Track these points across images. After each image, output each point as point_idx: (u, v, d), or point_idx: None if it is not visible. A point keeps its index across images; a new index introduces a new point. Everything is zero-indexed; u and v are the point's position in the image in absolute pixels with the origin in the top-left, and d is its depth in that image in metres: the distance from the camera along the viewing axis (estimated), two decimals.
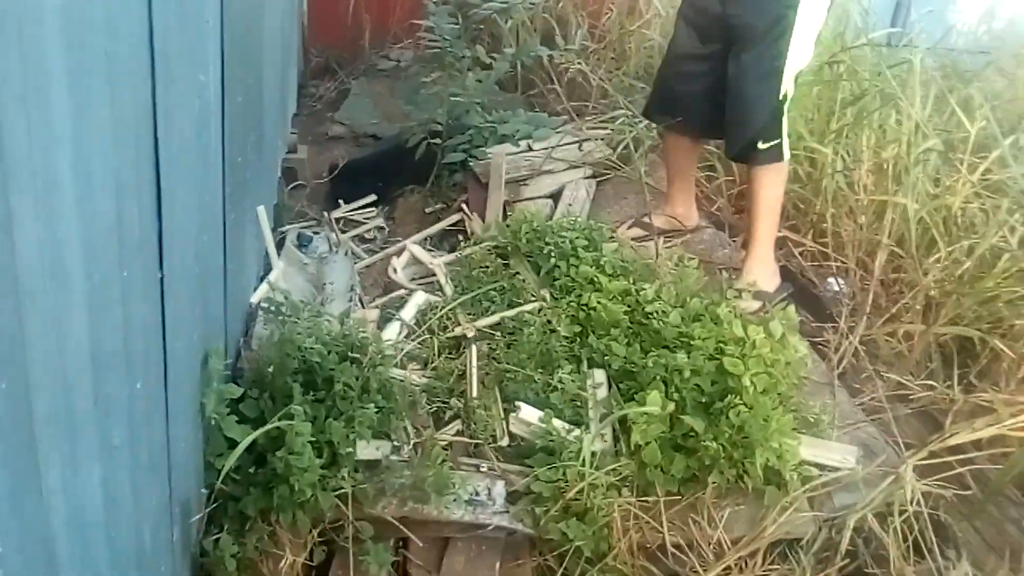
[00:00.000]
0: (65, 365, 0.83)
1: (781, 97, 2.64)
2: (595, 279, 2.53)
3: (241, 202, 2.30)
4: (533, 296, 2.59)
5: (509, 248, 2.79)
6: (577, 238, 2.67)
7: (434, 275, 2.92)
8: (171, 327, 1.34)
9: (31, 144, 0.72)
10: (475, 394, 2.25)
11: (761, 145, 2.65)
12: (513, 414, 2.17)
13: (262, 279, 2.65)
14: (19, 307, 0.67)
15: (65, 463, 0.86)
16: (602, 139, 3.74)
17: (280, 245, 3.03)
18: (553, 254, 2.63)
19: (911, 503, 1.95)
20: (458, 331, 2.48)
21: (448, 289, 2.70)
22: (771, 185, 2.72)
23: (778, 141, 2.68)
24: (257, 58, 2.62)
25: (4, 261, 0.65)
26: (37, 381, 0.77)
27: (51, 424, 0.79)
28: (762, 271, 2.73)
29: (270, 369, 2.00)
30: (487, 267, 2.76)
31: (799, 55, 2.61)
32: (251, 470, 1.86)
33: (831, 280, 2.96)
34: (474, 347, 2.38)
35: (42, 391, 0.78)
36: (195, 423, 1.65)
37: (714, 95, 2.81)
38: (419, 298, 2.65)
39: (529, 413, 2.17)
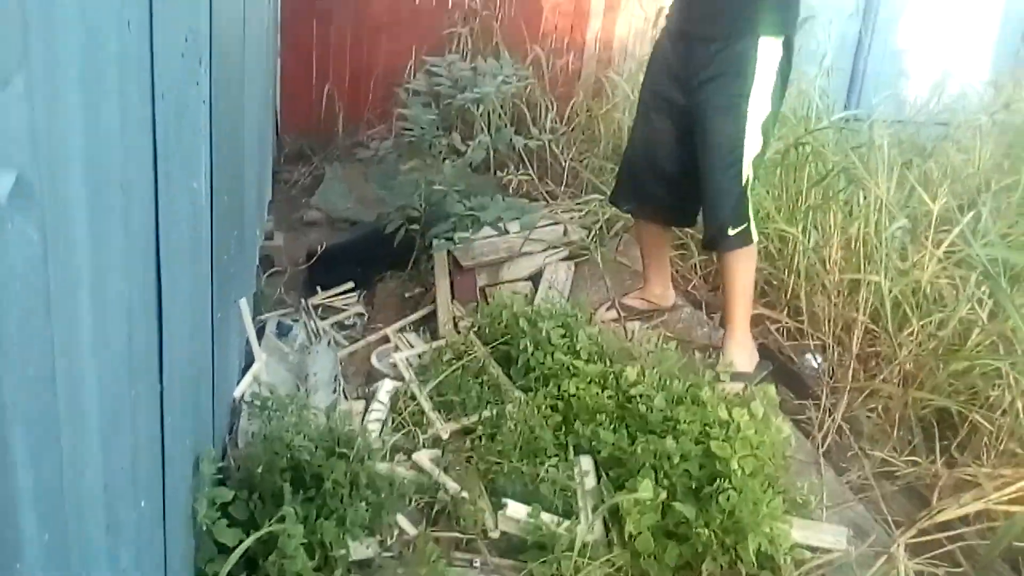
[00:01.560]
0: (81, 499, 0.82)
1: (744, 183, 2.75)
2: (571, 365, 2.55)
3: (226, 299, 2.31)
4: (501, 397, 2.60)
5: (469, 344, 2.82)
6: (553, 328, 2.70)
7: (418, 358, 2.93)
8: (168, 437, 1.34)
9: (58, 284, 0.73)
10: (454, 490, 2.23)
11: (731, 231, 2.74)
12: (500, 511, 2.16)
13: (244, 371, 2.64)
14: (61, 460, 0.68)
15: None
16: (577, 220, 3.82)
17: (260, 334, 3.03)
18: (528, 345, 2.66)
19: None
20: (431, 432, 2.48)
21: (414, 387, 2.70)
22: (743, 269, 2.80)
23: (745, 225, 2.77)
24: (239, 152, 2.66)
25: (49, 410, 0.66)
26: (34, 535, 0.76)
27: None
28: (740, 351, 2.78)
29: (259, 469, 1.98)
30: (459, 359, 2.78)
31: (753, 143, 2.73)
32: (242, 575, 1.82)
33: (808, 356, 3.01)
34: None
35: (38, 546, 0.77)
36: (188, 530, 1.63)
37: (678, 185, 2.91)
38: (388, 385, 2.66)
39: (516, 509, 2.15)
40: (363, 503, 2.01)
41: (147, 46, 1.09)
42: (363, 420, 2.49)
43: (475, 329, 2.93)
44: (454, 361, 2.77)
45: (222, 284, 2.15)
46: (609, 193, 3.29)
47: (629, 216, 3.75)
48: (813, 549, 2.11)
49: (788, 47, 2.71)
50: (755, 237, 2.81)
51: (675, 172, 2.90)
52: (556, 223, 3.76)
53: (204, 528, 1.73)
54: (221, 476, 1.92)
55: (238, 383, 2.54)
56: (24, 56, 0.63)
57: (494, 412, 2.48)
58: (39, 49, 0.67)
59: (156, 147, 1.18)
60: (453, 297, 3.37)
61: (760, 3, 2.67)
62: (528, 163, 4.64)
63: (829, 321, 2.99)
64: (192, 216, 1.62)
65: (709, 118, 2.72)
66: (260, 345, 2.80)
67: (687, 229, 3.57)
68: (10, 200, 0.55)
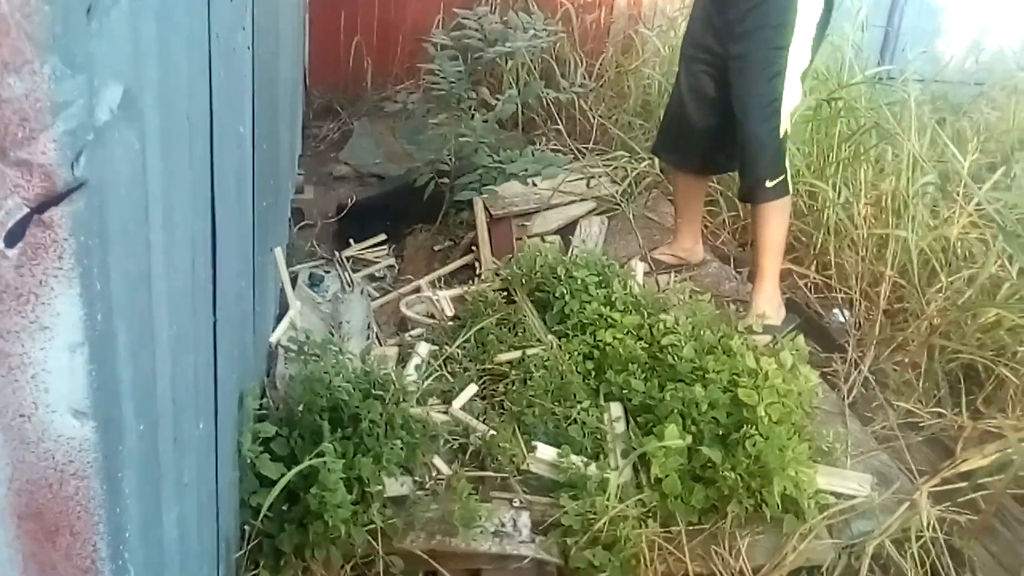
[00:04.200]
0: (157, 407, 0.88)
1: (782, 135, 2.76)
2: (608, 317, 2.59)
3: (264, 245, 2.36)
4: (538, 339, 2.64)
5: (514, 288, 2.85)
6: (589, 275, 2.74)
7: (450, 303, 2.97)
8: (220, 367, 1.39)
9: (131, 209, 0.78)
10: (486, 431, 2.29)
11: (768, 183, 2.75)
12: (531, 453, 2.21)
13: (278, 319, 2.70)
14: (154, 360, 0.73)
15: (148, 502, 0.91)
16: (606, 175, 3.83)
17: (292, 284, 3.09)
18: (564, 292, 2.70)
19: (927, 529, 2.00)
20: (464, 376, 2.53)
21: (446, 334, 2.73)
22: (776, 222, 2.82)
23: (783, 177, 2.78)
24: (275, 103, 2.70)
25: (145, 314, 0.70)
26: (131, 423, 0.82)
27: (139, 465, 0.84)
28: (769, 304, 2.81)
29: (300, 407, 2.04)
30: (493, 305, 2.81)
31: (792, 94, 2.74)
32: (283, 507, 1.90)
33: (836, 311, 3.03)
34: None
35: (135, 434, 0.83)
36: (234, 462, 1.70)
37: (716, 133, 2.92)
38: (423, 349, 2.67)
39: (545, 451, 2.21)
40: (398, 442, 2.08)
41: None
42: (396, 365, 2.55)
43: (509, 277, 2.96)
44: (488, 307, 2.81)
45: (261, 230, 2.21)
46: (652, 145, 3.29)
47: (659, 173, 3.77)
48: (837, 495, 2.16)
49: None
50: (790, 189, 2.83)
51: (716, 122, 2.91)
52: (585, 177, 3.77)
53: (248, 461, 1.81)
54: (264, 412, 1.99)
55: (273, 330, 2.60)
56: None
57: (526, 356, 2.53)
58: None
59: (211, 87, 1.23)
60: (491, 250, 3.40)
61: None
62: (557, 119, 4.64)
63: (857, 276, 3.01)
64: (238, 159, 1.67)
65: (749, 70, 2.72)
66: (293, 294, 2.87)
67: (718, 185, 3.57)
68: (119, 111, 0.60)
